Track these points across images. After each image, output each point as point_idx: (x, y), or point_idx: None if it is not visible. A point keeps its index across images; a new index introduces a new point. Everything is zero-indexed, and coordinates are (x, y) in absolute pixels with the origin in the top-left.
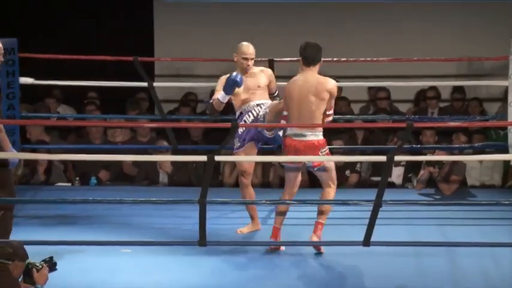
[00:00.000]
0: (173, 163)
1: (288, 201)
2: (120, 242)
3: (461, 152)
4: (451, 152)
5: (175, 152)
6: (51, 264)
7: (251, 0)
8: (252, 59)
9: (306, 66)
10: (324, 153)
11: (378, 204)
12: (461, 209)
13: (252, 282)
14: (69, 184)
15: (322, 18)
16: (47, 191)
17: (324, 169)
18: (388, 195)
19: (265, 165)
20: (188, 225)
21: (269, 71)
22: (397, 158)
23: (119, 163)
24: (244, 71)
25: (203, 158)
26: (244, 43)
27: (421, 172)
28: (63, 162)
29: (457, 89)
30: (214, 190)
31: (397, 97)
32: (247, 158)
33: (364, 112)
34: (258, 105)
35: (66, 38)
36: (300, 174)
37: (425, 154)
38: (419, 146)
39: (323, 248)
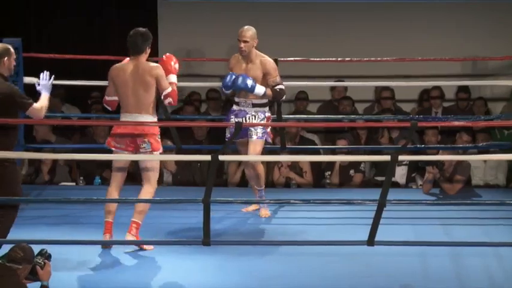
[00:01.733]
0: (177, 162)
1: (292, 200)
2: (124, 241)
3: (465, 151)
4: (455, 151)
5: (179, 152)
6: (46, 256)
7: (256, 0)
8: (244, 41)
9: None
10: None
11: (382, 204)
12: (466, 209)
13: (257, 281)
14: (74, 184)
15: (327, 18)
16: (51, 190)
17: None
18: (392, 194)
19: (269, 165)
20: (192, 225)
21: (267, 62)
22: (401, 157)
23: None
24: (241, 54)
25: (207, 157)
26: (245, 26)
27: (426, 174)
28: (68, 161)
29: (462, 89)
30: (218, 189)
31: (401, 97)
32: (252, 158)
33: (369, 112)
34: (254, 114)
35: (70, 38)
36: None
37: (428, 154)
38: (423, 146)
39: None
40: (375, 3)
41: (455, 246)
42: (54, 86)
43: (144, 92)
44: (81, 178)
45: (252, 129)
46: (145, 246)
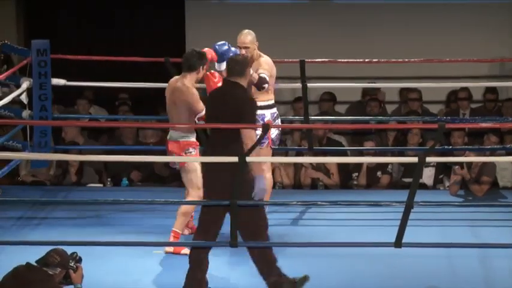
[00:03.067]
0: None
1: (319, 202)
2: (152, 242)
3: (492, 153)
4: (481, 153)
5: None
6: (77, 260)
7: (282, 0)
8: (245, 47)
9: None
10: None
11: (409, 206)
12: (493, 210)
13: None
14: (101, 185)
15: (359, 19)
16: (78, 191)
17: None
18: (420, 196)
19: (297, 167)
20: None
21: (263, 60)
22: (428, 159)
23: (151, 164)
24: None
25: (234, 159)
26: (244, 31)
27: (452, 176)
28: (95, 163)
29: (489, 90)
30: None
31: (429, 98)
32: (279, 159)
33: (397, 114)
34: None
35: (98, 39)
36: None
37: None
38: (450, 147)
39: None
40: (402, 4)
41: (483, 248)
42: (81, 88)
43: (175, 111)
44: (109, 179)
45: None
46: (181, 251)
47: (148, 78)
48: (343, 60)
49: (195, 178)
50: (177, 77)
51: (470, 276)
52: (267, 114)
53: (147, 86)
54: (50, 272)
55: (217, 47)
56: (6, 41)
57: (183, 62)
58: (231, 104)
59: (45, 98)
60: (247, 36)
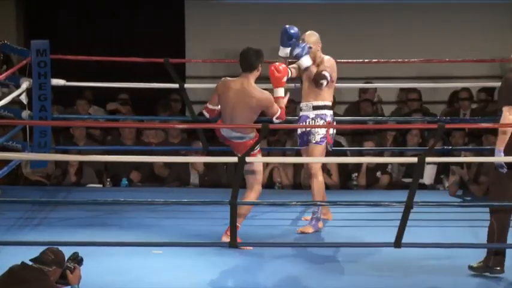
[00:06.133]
0: (205, 163)
1: (319, 202)
2: (151, 243)
3: (491, 153)
4: (480, 153)
5: (207, 153)
6: (78, 260)
7: (280, 1)
8: (309, 47)
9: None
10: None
11: (409, 206)
12: None
13: (282, 282)
14: (101, 185)
15: (358, 19)
16: (78, 192)
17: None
18: (419, 196)
19: (296, 167)
20: (219, 226)
21: (326, 60)
22: (428, 159)
23: (150, 164)
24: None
25: (234, 159)
26: (308, 31)
27: (451, 177)
28: (95, 163)
29: (486, 90)
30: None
31: (430, 98)
32: (279, 160)
33: (397, 113)
34: (313, 117)
35: (98, 39)
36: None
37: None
38: (450, 147)
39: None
40: (402, 4)
41: (483, 248)
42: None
43: (242, 114)
44: (108, 180)
45: (312, 134)
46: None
47: (148, 79)
48: (342, 60)
49: (259, 176)
50: (235, 78)
51: (470, 276)
52: (328, 114)
53: (147, 86)
54: (45, 270)
55: (287, 27)
56: (6, 41)
57: (242, 61)
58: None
59: (44, 98)
60: (311, 37)
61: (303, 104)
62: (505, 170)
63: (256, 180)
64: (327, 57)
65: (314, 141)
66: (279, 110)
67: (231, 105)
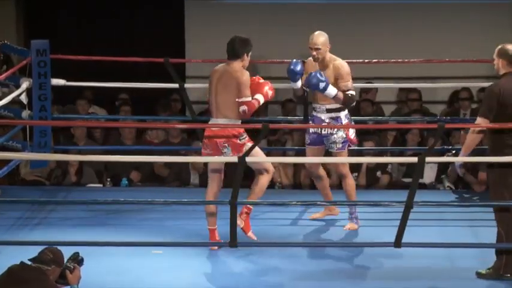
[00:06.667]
0: (205, 163)
1: (319, 202)
2: (151, 242)
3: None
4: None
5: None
6: (78, 261)
7: (280, 1)
8: (316, 49)
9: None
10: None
11: (409, 206)
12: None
13: (283, 282)
14: (101, 185)
15: (358, 19)
16: (78, 192)
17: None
18: (419, 196)
19: (296, 166)
20: (219, 226)
21: (340, 66)
22: (428, 159)
23: (150, 164)
24: (314, 61)
25: (234, 159)
26: (316, 32)
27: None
28: (95, 163)
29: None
30: (245, 191)
31: (430, 98)
32: (275, 160)
33: (397, 113)
34: (328, 120)
35: (98, 39)
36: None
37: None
38: (450, 147)
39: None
40: (402, 4)
41: (483, 248)
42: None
43: (225, 95)
44: (108, 180)
45: (332, 139)
46: (249, 233)
47: (148, 79)
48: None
49: (262, 156)
50: (221, 64)
51: (470, 275)
52: (342, 116)
53: (147, 86)
54: (44, 269)
55: (292, 67)
56: (6, 41)
57: (228, 49)
58: None
59: (44, 98)
60: (320, 38)
61: (316, 105)
62: (463, 171)
63: (261, 164)
64: (338, 61)
65: (336, 149)
66: (250, 98)
67: (215, 90)
